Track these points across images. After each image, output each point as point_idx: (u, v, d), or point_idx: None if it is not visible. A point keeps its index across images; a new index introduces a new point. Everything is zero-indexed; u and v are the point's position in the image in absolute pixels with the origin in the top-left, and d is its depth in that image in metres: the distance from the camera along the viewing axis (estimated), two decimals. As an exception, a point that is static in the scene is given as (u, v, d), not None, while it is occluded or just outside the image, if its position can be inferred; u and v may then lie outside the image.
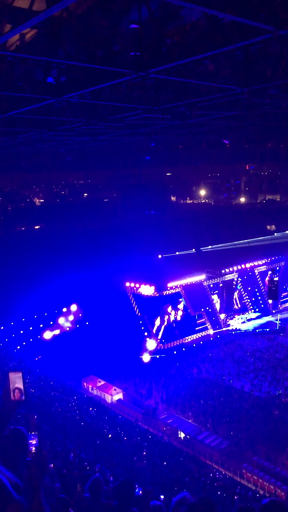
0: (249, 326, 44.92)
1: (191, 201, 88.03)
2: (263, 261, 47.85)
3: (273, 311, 46.77)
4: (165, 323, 40.34)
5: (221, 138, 29.62)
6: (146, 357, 36.46)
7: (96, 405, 29.05)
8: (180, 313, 41.26)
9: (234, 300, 45.92)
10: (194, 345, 40.24)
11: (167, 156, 39.06)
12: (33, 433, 3.88)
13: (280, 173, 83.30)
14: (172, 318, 40.64)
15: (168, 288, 40.23)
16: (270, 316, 46.30)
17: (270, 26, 7.20)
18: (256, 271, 47.45)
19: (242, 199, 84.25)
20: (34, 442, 4.08)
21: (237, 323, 45.09)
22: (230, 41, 8.36)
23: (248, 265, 46.62)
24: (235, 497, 18.69)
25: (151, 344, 38.01)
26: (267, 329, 43.93)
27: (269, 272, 44.51)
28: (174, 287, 40.65)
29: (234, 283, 45.78)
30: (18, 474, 2.98)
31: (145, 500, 4.83)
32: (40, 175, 69.52)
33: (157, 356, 37.39)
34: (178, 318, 41.06)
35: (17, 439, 3.64)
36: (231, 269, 45.31)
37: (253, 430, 26.21)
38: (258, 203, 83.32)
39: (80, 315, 38.14)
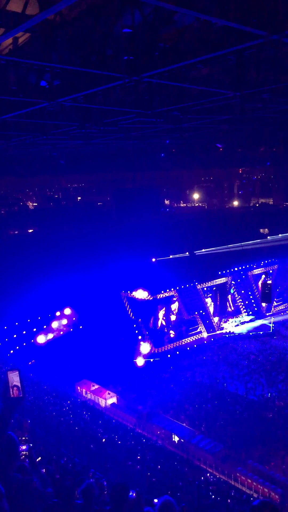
0: (243, 329, 45.02)
1: (185, 205, 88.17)
2: (256, 264, 48.08)
3: (267, 314, 46.90)
4: (159, 325, 40.37)
5: (214, 142, 29.77)
6: (140, 361, 36.40)
7: (90, 409, 28.92)
8: (173, 316, 41.30)
9: (227, 303, 46.03)
10: (188, 348, 40.24)
11: (161, 159, 39.14)
12: (24, 438, 3.89)
13: (272, 177, 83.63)
14: (161, 321, 40.64)
15: (162, 292, 40.29)
16: (264, 319, 46.43)
17: (263, 31, 7.26)
18: (249, 274, 47.62)
19: (235, 203, 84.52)
20: (24, 447, 4.09)
21: (231, 326, 45.17)
22: (223, 45, 8.41)
23: (241, 268, 46.81)
24: (229, 501, 18.66)
25: (145, 347, 37.96)
26: (261, 332, 44.05)
27: (263, 276, 44.74)
28: (167, 290, 40.71)
29: (228, 286, 45.90)
30: (6, 479, 2.97)
31: (138, 504, 4.81)
32: (34, 179, 69.34)
33: (151, 360, 37.35)
34: (173, 316, 41.10)
35: (7, 444, 3.63)
36: (224, 272, 45.51)
37: (247, 433, 26.22)
38: (251, 206, 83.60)
39: (74, 318, 38.01)
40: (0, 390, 3.75)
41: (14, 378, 3.74)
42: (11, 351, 34.02)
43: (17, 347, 34.42)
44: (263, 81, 12.00)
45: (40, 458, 12.11)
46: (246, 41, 8.10)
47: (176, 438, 27.00)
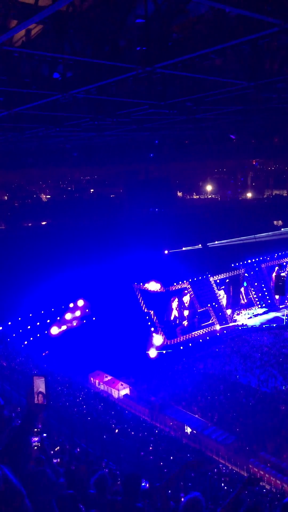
0: (256, 321, 44.85)
1: (198, 197, 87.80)
2: (270, 256, 47.77)
3: (280, 307, 46.64)
4: (171, 317, 40.42)
5: (227, 133, 29.47)
6: (152, 353, 36.52)
7: (103, 400, 29.17)
8: (186, 310, 41.28)
9: (240, 295, 45.85)
10: (201, 340, 40.26)
11: (174, 151, 38.89)
12: (36, 430, 3.91)
13: (287, 168, 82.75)
14: (174, 313, 40.67)
15: (174, 284, 40.29)
16: (277, 311, 46.18)
17: (277, 20, 7.13)
18: (263, 266, 47.33)
19: (249, 195, 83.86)
20: (36, 439, 4.13)
21: (244, 318, 45.03)
22: (237, 35, 8.30)
23: (254, 260, 46.56)
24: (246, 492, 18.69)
25: (157, 339, 38.07)
26: (274, 325, 43.83)
27: (276, 268, 44.40)
28: (180, 282, 40.69)
29: (241, 278, 45.69)
30: (19, 472, 3.00)
31: (152, 495, 4.84)
32: (47, 171, 69.56)
33: (164, 352, 37.45)
34: (186, 310, 41.12)
35: (18, 437, 3.66)
36: (237, 264, 45.33)
37: (260, 425, 26.22)
38: (265, 198, 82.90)
39: (87, 310, 38.24)
40: (27, 395, 3.78)
41: (40, 384, 3.74)
42: (25, 342, 34.41)
43: (31, 338, 34.80)
44: (278, 71, 11.83)
45: (58, 448, 12.26)
46: (261, 30, 7.97)
47: (188, 429, 27.12)
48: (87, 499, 4.79)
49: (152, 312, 39.48)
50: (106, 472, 4.97)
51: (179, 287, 40.85)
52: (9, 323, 34.35)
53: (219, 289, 43.78)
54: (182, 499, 3.95)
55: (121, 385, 31.90)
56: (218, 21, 8.28)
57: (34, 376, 3.77)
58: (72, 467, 7.76)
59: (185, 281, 41.08)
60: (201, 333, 41.39)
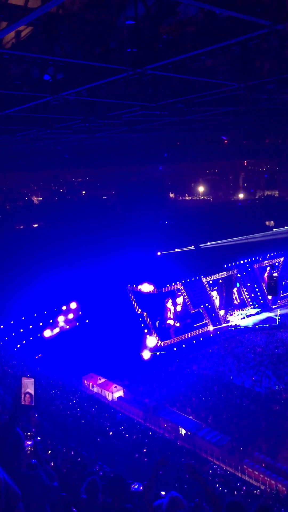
0: (249, 322, 44.99)
1: (190, 198, 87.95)
2: (262, 257, 47.97)
3: (273, 307, 46.82)
4: (165, 319, 40.41)
5: (219, 134, 29.59)
6: (146, 354, 36.48)
7: (97, 402, 29.06)
8: (179, 308, 41.32)
9: (233, 296, 45.98)
10: (194, 341, 40.29)
11: (165, 152, 38.94)
12: (29, 434, 3.90)
13: (278, 169, 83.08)
14: (171, 314, 40.72)
15: (168, 285, 40.32)
16: (270, 311, 46.35)
17: (267, 21, 7.16)
18: (255, 266, 47.50)
19: (241, 195, 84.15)
20: (29, 442, 4.11)
21: (237, 319, 45.15)
22: (227, 36, 8.32)
23: (247, 261, 46.72)
24: (235, 493, 18.73)
25: (151, 341, 38.04)
26: (267, 325, 43.99)
27: (268, 268, 44.55)
28: (173, 283, 40.73)
29: (234, 279, 45.83)
30: (13, 475, 2.98)
31: (146, 497, 4.81)
32: (38, 173, 69.29)
33: (157, 353, 37.43)
34: (178, 308, 41.15)
35: (13, 440, 3.65)
36: (230, 265, 45.46)
37: (254, 426, 26.26)
38: (257, 199, 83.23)
39: (80, 312, 38.12)
40: (13, 395, 3.77)
41: (29, 385, 3.73)
42: (18, 345, 34.22)
43: (24, 342, 34.60)
44: (268, 72, 11.88)
45: (50, 451, 12.20)
46: (251, 31, 8.00)
47: (183, 431, 27.11)
48: (80, 502, 4.77)
49: (145, 314, 39.46)
50: (97, 477, 4.95)
51: (172, 288, 40.89)
52: (1, 326, 34.13)
53: (212, 290, 43.88)
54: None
55: (115, 387, 31.81)
56: (208, 22, 8.31)
57: (23, 377, 3.76)
58: (63, 470, 7.73)
59: (178, 283, 41.13)
60: (194, 334, 41.41)
